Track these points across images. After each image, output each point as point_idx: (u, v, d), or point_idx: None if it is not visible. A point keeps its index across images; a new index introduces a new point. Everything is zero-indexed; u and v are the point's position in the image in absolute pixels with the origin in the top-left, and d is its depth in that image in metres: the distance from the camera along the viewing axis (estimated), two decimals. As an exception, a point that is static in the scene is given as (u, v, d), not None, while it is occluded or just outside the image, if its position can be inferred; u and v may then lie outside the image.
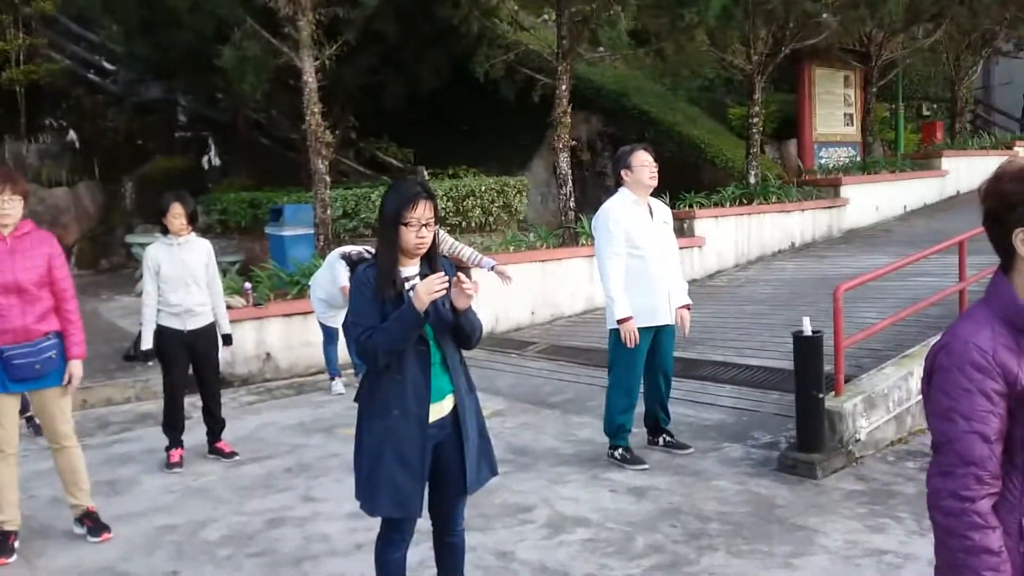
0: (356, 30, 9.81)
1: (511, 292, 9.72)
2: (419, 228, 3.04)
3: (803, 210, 13.39)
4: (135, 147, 16.01)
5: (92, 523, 4.56)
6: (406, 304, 2.94)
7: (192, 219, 5.70)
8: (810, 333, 5.11)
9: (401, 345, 3.00)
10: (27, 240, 4.34)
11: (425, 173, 13.87)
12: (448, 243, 6.25)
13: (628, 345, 5.18)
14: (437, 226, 3.13)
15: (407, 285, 3.10)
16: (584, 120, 15.42)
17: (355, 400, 3.20)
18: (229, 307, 8.30)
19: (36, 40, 15.37)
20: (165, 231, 5.67)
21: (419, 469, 3.08)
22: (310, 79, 8.98)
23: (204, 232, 13.81)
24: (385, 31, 11.02)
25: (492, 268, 6.26)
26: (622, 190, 5.35)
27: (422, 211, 3.04)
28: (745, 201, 12.80)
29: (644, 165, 5.24)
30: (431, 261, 3.16)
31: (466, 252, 6.31)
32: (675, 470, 5.25)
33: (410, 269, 3.13)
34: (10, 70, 14.83)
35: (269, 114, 13.96)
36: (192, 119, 16.43)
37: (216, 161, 15.68)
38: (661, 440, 5.64)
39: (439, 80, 12.79)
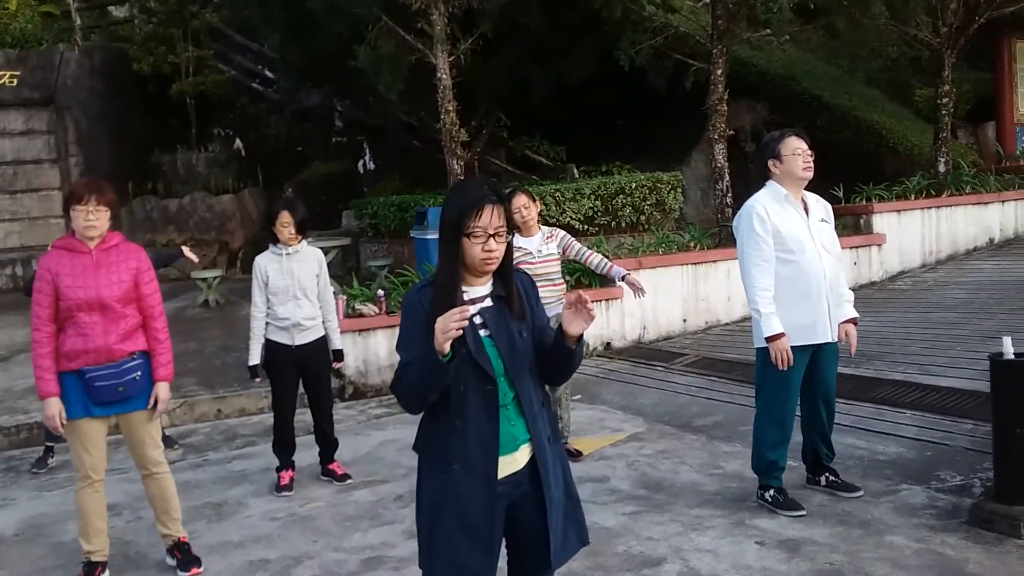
0: (493, 22, 9.34)
1: (660, 297, 8.98)
2: (486, 239, 2.45)
3: (1003, 201, 11.74)
4: (295, 153, 16.39)
5: (181, 555, 4.27)
6: (428, 344, 2.36)
7: (302, 228, 5.37)
8: (1012, 355, 4.10)
9: (425, 394, 2.45)
10: (114, 253, 4.09)
11: (575, 171, 13.28)
12: (575, 248, 5.61)
13: (779, 367, 4.37)
14: (511, 236, 2.52)
15: (472, 309, 2.51)
16: (748, 108, 14.33)
17: (413, 448, 2.65)
18: (362, 315, 8.09)
19: (204, 52, 16.01)
20: (275, 240, 5.38)
21: (486, 536, 2.48)
22: (444, 76, 8.60)
23: (356, 237, 13.89)
24: (527, 22, 10.50)
25: (623, 278, 5.56)
26: (770, 184, 4.54)
27: (489, 218, 2.45)
28: (933, 192, 11.35)
29: (796, 153, 4.40)
30: (504, 279, 2.57)
31: (594, 259, 5.64)
32: (838, 519, 4.38)
33: (477, 289, 2.55)
34: (180, 82, 15.50)
35: (419, 116, 13.79)
36: (348, 124, 16.62)
37: (371, 165, 15.75)
38: (823, 479, 4.76)
39: (587, 72, 12.13)
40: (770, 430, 4.57)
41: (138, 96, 16.08)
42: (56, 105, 15.14)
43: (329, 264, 12.33)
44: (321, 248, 12.03)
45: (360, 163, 15.94)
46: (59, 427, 3.97)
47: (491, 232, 2.45)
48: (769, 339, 4.38)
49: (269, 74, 17.09)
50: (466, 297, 2.52)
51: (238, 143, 16.56)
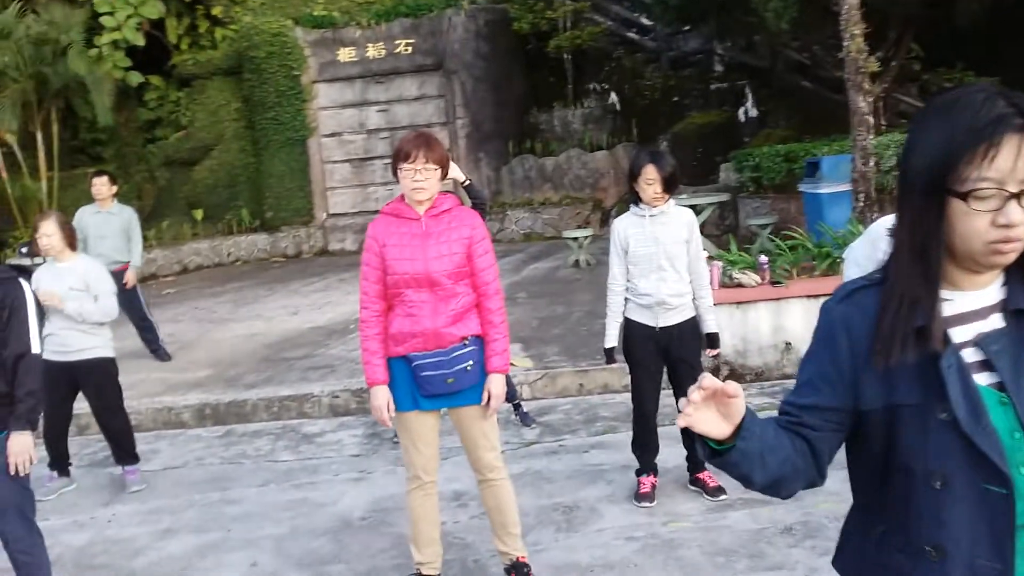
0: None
1: None
2: (1002, 203, 1.27)
3: None
4: (671, 104, 15.48)
5: (520, 581, 3.59)
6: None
7: (669, 185, 4.38)
8: None
9: (748, 480, 1.40)
10: (445, 219, 3.44)
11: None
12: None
13: None
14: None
15: (958, 336, 1.35)
16: None
17: (833, 563, 1.56)
18: (741, 285, 6.95)
19: (580, 4, 15.61)
20: (637, 199, 4.46)
21: None
22: (850, -7, 7.03)
23: (735, 192, 12.64)
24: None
25: None
26: None
27: (1013, 160, 1.26)
28: None
29: None
30: None
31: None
32: None
33: (970, 296, 1.37)
34: (557, 37, 15.27)
35: (812, 52, 12.07)
36: (729, 69, 15.26)
37: (753, 112, 14.30)
38: None
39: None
40: None
41: (518, 55, 16.21)
42: (445, 69, 15.74)
43: (704, 223, 11.38)
44: (696, 205, 11.11)
45: (741, 110, 14.56)
46: (387, 420, 3.45)
47: (1014, 190, 1.27)
48: None
49: (646, 21, 16.27)
50: (948, 311, 1.36)
51: (613, 97, 16.02)
